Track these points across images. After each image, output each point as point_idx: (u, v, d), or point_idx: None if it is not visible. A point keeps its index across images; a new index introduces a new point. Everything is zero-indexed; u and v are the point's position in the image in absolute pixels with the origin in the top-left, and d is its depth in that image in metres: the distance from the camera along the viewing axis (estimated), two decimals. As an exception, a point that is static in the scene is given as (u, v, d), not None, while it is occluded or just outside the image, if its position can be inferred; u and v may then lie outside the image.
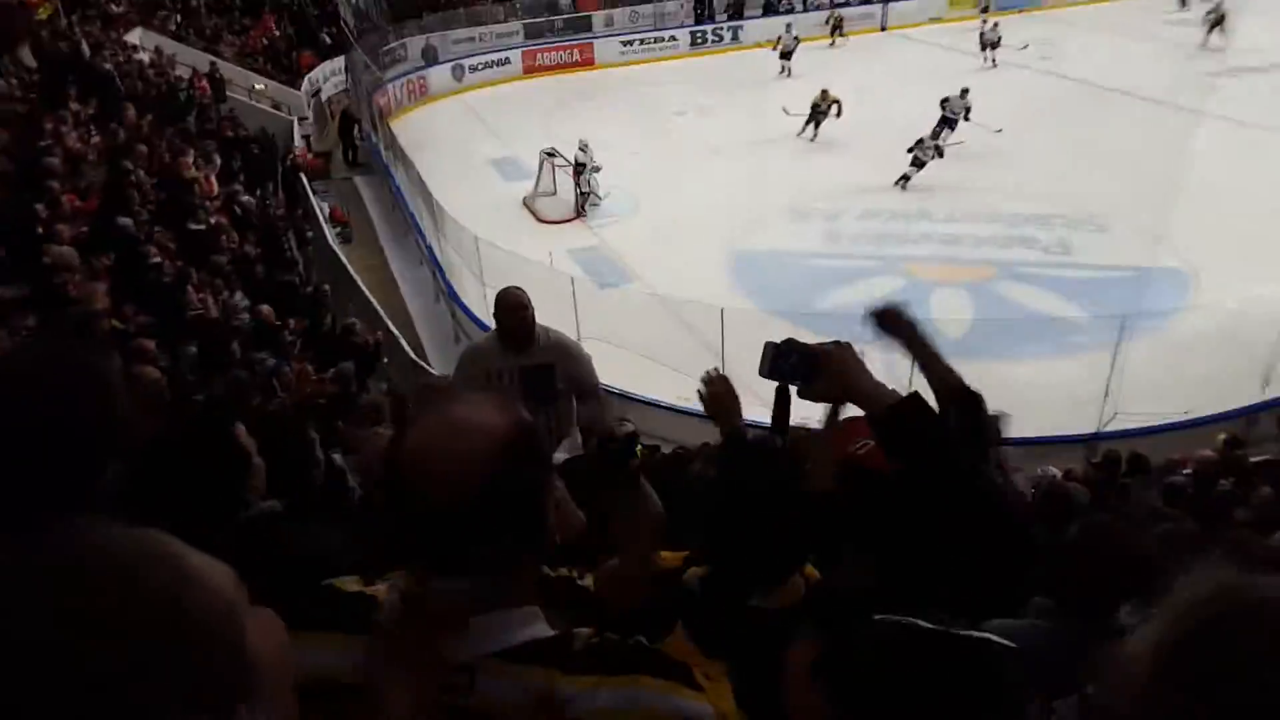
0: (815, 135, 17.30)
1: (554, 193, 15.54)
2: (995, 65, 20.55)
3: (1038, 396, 9.40)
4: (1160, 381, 9.19)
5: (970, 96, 16.19)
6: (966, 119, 16.07)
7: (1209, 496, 5.70)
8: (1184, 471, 6.29)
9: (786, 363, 1.54)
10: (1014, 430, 7.57)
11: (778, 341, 1.56)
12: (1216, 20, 21.33)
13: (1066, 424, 8.86)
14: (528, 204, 15.66)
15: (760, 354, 1.57)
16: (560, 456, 3.77)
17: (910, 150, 15.02)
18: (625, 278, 12.85)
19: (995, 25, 20.76)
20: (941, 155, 15.25)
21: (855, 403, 1.50)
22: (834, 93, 17.28)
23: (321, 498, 2.80)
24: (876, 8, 28.09)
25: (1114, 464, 6.74)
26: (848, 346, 1.51)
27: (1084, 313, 10.88)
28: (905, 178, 15.04)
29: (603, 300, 10.98)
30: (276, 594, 0.88)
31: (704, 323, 9.66)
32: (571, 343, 4.05)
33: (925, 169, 15.03)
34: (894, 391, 1.46)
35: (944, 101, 16.10)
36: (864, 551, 1.65)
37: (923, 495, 1.38)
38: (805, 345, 1.54)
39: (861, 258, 13.07)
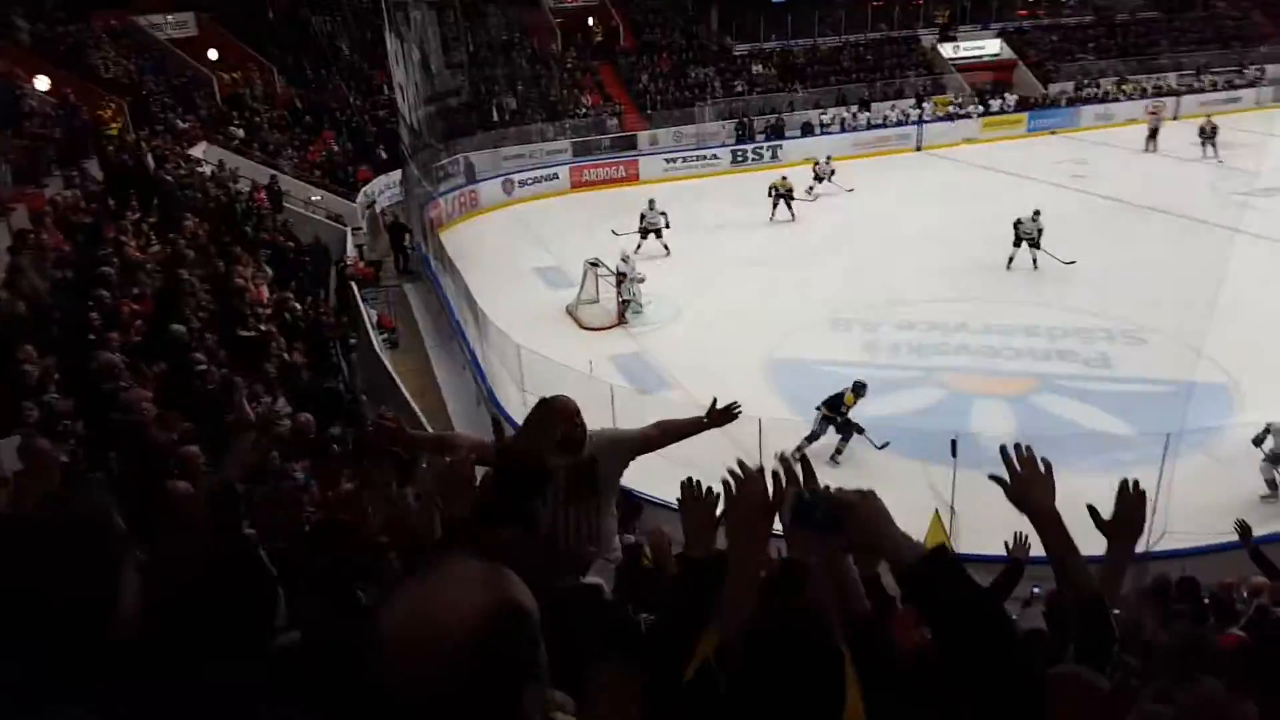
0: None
1: (596, 301, 15.81)
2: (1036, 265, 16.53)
3: (1083, 514, 9.10)
4: (1207, 500, 8.87)
5: (1041, 219, 16.19)
6: (1037, 244, 16.10)
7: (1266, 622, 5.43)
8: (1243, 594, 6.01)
9: (812, 513, 1.53)
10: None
11: (803, 491, 1.56)
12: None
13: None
14: (570, 312, 15.92)
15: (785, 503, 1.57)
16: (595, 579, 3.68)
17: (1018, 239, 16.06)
18: (665, 384, 12.89)
19: (1036, 214, 16.47)
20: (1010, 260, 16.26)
21: (881, 554, 1.48)
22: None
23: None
24: (913, 128, 28.79)
25: (1164, 589, 6.42)
26: (872, 496, 1.49)
27: (1126, 427, 10.61)
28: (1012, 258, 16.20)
29: (642, 406, 10.97)
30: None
31: (742, 431, 9.57)
32: (612, 433, 3.96)
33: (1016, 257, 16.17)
34: (920, 544, 1.43)
35: (1017, 223, 16.23)
36: None
37: (958, 665, 1.30)
38: (830, 494, 1.54)
39: (900, 368, 13.00)
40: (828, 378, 12.80)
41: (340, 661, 1.73)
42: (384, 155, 23.66)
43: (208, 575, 1.83)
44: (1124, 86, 31.81)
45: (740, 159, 27.29)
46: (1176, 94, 31.38)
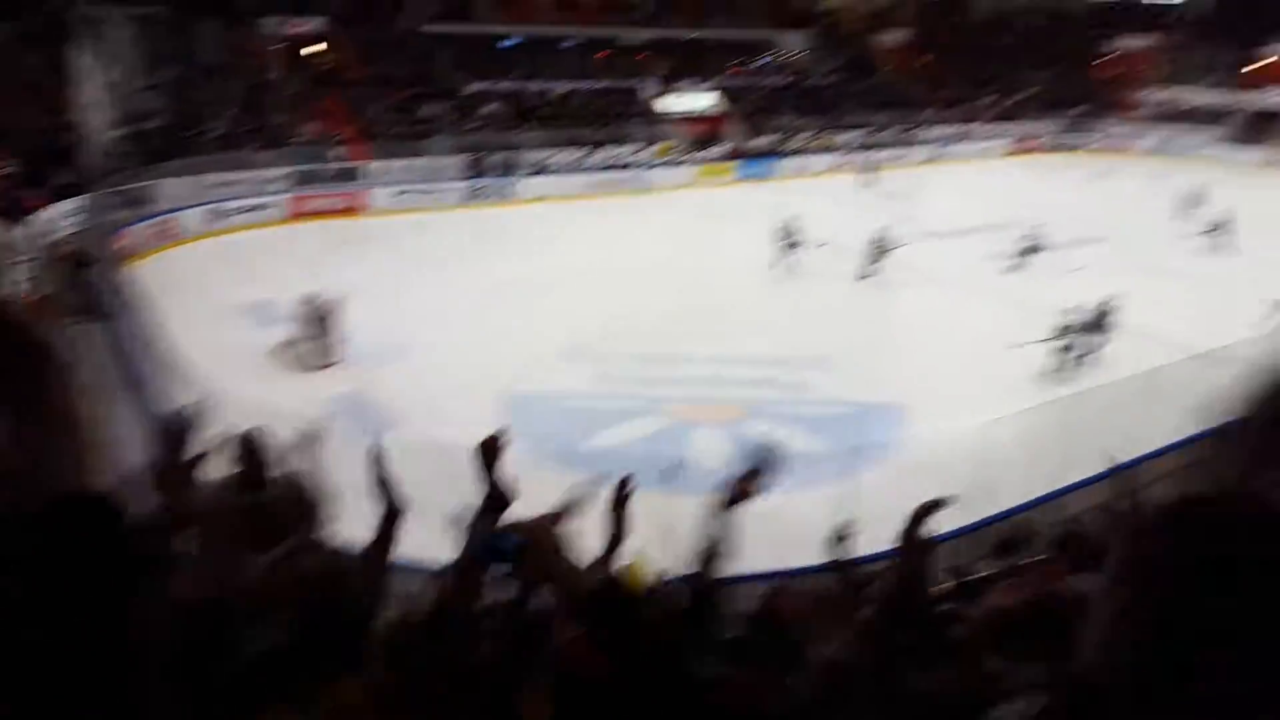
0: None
1: (313, 338, 14.79)
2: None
3: (785, 530, 9.66)
4: (892, 507, 9.63)
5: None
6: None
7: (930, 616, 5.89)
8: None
9: (499, 547, 1.54)
10: (765, 566, 7.67)
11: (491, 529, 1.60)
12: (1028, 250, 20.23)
13: (811, 556, 9.07)
14: (283, 351, 14.78)
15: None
16: None
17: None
18: (388, 425, 12.21)
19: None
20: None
21: (553, 586, 1.49)
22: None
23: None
24: (638, 172, 30.13)
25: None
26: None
27: (822, 445, 11.46)
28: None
29: (361, 450, 10.29)
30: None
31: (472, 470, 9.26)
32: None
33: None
34: (592, 576, 1.48)
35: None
36: None
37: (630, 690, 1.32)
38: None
39: (628, 398, 13.27)
40: (560, 411, 12.79)
41: None
42: (65, 180, 20.97)
43: None
44: (816, 141, 35.53)
45: (472, 195, 27.06)
46: (865, 150, 35.31)
